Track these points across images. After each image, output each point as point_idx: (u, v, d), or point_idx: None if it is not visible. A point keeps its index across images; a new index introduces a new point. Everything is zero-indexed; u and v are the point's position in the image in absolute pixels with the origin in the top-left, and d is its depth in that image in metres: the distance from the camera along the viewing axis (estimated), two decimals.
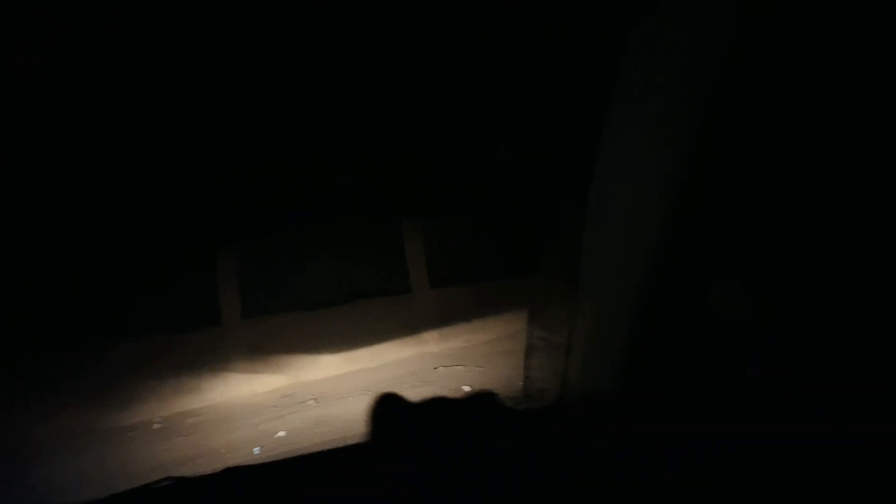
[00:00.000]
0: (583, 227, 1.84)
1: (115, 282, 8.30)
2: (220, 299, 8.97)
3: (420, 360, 8.14)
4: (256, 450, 5.74)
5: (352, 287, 9.27)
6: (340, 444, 2.12)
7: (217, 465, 2.26)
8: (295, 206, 9.00)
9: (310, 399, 7.21)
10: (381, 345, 8.54)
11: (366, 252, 9.42)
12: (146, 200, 8.19)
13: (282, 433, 6.18)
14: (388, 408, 6.35)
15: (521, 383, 6.33)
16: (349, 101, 7.70)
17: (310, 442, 5.58)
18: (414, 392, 6.72)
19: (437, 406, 6.02)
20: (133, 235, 8.33)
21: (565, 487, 1.60)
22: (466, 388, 6.46)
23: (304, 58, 6.58)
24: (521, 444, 1.80)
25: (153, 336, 8.36)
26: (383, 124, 8.32)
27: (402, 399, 6.61)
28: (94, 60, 5.54)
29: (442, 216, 9.83)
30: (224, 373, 8.40)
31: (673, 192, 1.73)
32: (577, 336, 1.86)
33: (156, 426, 7.12)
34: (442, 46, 6.66)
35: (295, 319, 8.87)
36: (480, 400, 5.96)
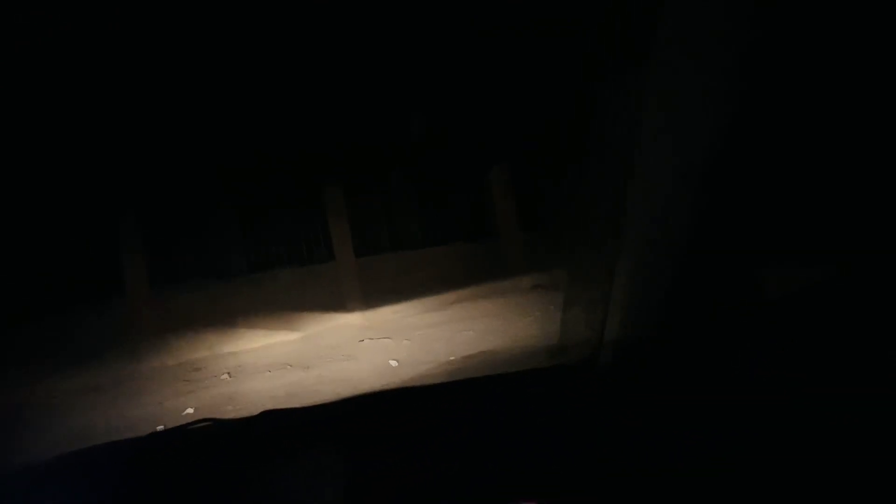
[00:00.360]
0: (627, 183, 1.72)
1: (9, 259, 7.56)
2: (125, 268, 8.36)
3: (344, 333, 7.74)
4: (160, 428, 5.24)
5: (269, 256, 8.75)
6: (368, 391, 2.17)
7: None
8: (206, 173, 8.38)
9: (223, 373, 6.72)
10: (301, 316, 8.09)
11: (284, 219, 8.89)
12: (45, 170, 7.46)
13: (189, 410, 5.70)
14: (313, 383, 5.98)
15: (451, 358, 6.08)
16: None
17: None
18: (337, 367, 6.34)
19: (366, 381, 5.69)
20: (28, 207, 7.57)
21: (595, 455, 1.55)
22: (393, 363, 6.12)
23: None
24: (555, 404, 1.79)
25: (55, 308, 7.70)
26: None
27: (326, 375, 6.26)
28: None
29: (366, 185, 9.44)
30: (130, 344, 7.80)
31: (717, 142, 1.66)
32: (616, 289, 1.81)
33: (54, 401, 6.50)
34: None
35: (208, 289, 8.32)
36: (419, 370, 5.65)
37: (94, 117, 7.34)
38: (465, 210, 10.07)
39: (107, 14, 6.11)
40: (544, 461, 1.54)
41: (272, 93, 7.83)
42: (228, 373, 6.69)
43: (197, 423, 1.91)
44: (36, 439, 5.30)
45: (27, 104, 6.73)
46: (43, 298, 7.76)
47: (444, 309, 8.18)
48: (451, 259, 9.34)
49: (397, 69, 7.84)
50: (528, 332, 6.55)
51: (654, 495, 1.41)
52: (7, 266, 7.52)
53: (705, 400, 1.61)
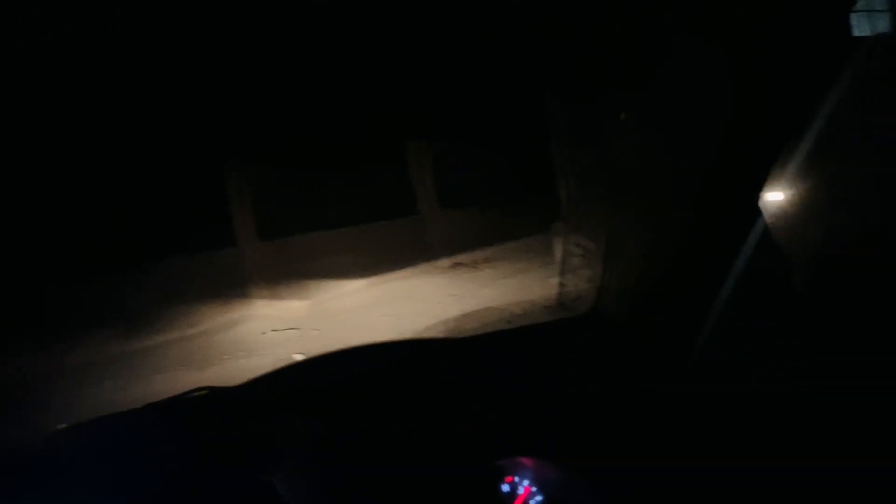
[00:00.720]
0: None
1: None
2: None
3: (248, 325, 7.05)
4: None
5: (160, 242, 7.89)
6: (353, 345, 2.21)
7: None
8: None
9: (107, 378, 5.93)
10: (200, 309, 7.34)
11: (174, 199, 8.02)
12: None
13: (63, 425, 4.91)
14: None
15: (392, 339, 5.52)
16: None
17: None
18: (235, 365, 5.68)
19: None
20: None
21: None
22: (298, 357, 5.50)
23: None
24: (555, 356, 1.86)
25: None
26: None
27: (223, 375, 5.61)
28: None
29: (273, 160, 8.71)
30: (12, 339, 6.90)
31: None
32: (615, 244, 1.95)
33: None
34: None
35: (95, 282, 7.48)
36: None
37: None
38: (383, 187, 9.55)
39: None
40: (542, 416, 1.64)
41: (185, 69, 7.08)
42: (112, 379, 5.92)
43: (195, 392, 1.98)
44: None
45: None
46: None
47: (359, 293, 7.60)
48: (367, 239, 8.80)
49: (313, 38, 7.20)
50: (450, 312, 6.06)
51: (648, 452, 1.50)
52: None
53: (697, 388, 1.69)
